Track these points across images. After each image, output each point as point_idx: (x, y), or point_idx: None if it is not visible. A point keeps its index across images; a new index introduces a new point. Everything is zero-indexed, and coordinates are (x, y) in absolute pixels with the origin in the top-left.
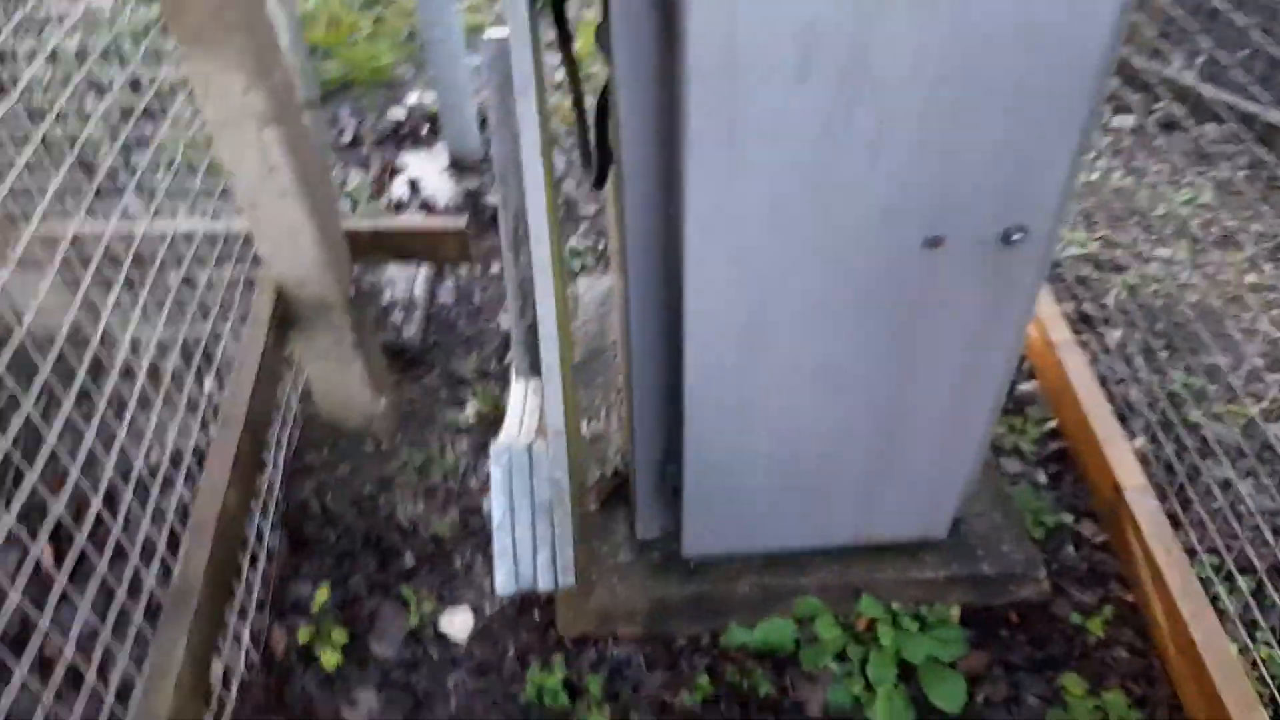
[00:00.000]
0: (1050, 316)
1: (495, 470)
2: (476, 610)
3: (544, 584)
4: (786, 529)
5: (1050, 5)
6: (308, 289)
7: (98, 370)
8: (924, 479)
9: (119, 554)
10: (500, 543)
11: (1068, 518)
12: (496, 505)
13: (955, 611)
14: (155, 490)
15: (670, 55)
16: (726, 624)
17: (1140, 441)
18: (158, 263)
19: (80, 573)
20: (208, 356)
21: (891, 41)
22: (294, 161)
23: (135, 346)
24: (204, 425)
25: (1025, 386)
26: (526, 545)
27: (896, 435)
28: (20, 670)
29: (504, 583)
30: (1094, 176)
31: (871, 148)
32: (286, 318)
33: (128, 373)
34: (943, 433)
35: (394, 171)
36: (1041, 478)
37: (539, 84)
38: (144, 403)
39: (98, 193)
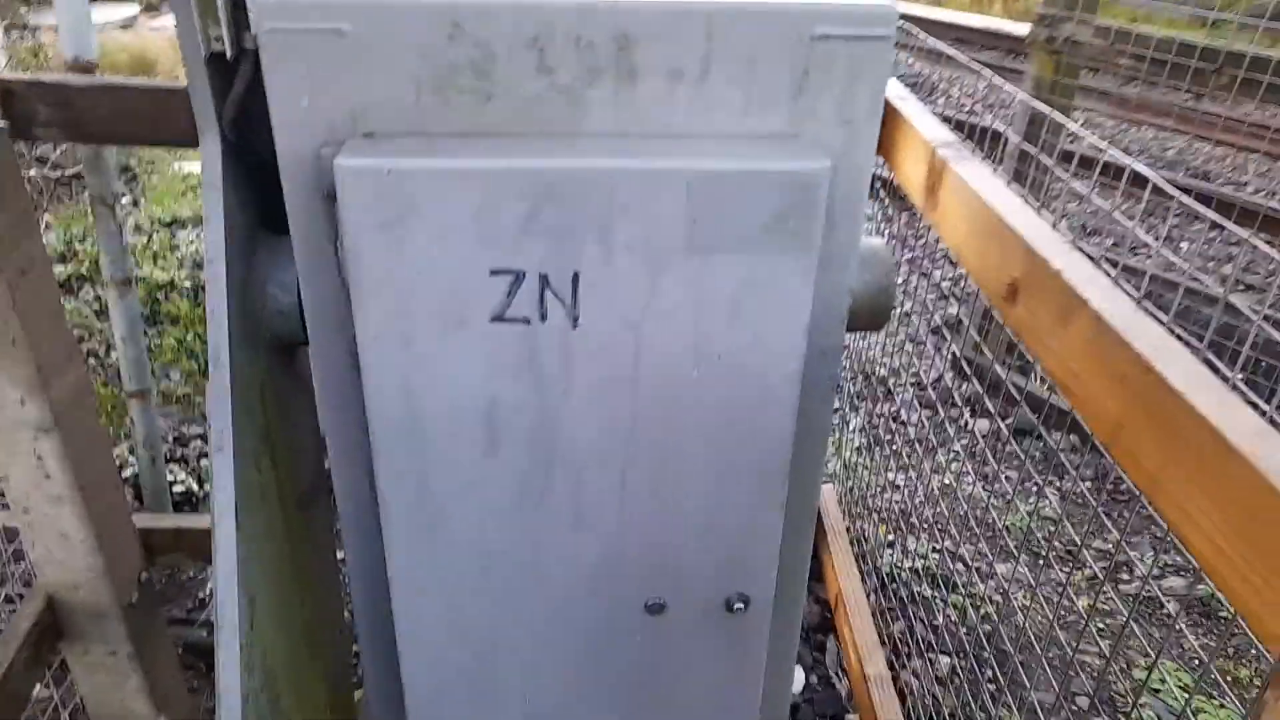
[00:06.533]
0: (869, 645)
1: None
2: None
3: None
4: None
5: (733, 393)
6: (80, 596)
7: None
8: None
9: None
10: None
11: None
12: None
13: None
14: None
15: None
16: None
17: None
18: None
19: None
20: None
21: (577, 421)
22: (72, 467)
23: None
24: None
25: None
26: None
27: None
28: None
29: None
30: (948, 480)
31: (574, 516)
32: (52, 629)
33: None
34: None
35: None
36: None
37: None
38: None
39: None
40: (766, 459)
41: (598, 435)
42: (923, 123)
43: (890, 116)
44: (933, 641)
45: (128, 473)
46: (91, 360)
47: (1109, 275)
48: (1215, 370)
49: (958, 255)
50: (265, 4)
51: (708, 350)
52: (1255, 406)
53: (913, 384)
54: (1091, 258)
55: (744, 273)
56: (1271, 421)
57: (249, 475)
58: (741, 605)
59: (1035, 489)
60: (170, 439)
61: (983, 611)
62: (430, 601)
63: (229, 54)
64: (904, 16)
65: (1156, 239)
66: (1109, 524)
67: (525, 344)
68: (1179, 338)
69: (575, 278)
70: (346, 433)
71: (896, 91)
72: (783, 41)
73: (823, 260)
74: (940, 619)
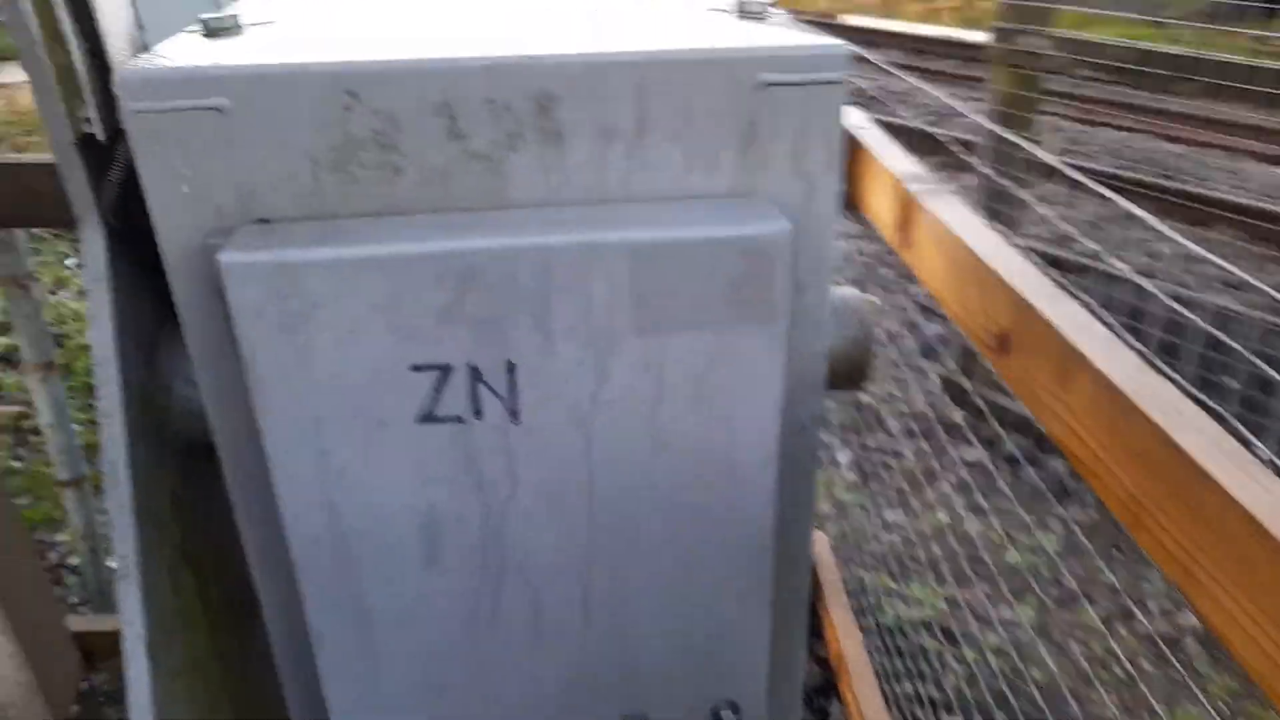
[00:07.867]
0: (875, 713)
1: None
2: None
3: None
4: None
5: (702, 484)
6: (11, 716)
7: None
8: None
9: None
10: None
11: None
12: None
13: None
14: None
15: None
16: None
17: None
18: None
19: None
20: None
21: (528, 527)
22: None
23: None
24: None
25: None
26: None
27: None
28: None
29: None
30: (943, 517)
31: (532, 632)
32: None
33: None
34: None
35: None
36: None
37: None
38: None
39: None
40: (746, 552)
41: (552, 541)
42: (888, 156)
43: (852, 149)
44: (943, 701)
45: (76, 561)
46: (32, 438)
47: (1107, 324)
48: (1242, 439)
49: (937, 299)
50: (129, 82)
51: (669, 440)
52: None
53: (902, 412)
54: (1087, 305)
55: (704, 351)
56: None
57: (164, 601)
58: (731, 714)
59: (1039, 524)
60: None
61: (993, 665)
62: None
63: (101, 137)
64: (860, 29)
65: (1133, 242)
66: (1117, 556)
67: (460, 445)
68: (1194, 398)
69: (511, 368)
70: (268, 544)
71: (857, 121)
72: (725, 92)
73: (792, 325)
74: (948, 676)
